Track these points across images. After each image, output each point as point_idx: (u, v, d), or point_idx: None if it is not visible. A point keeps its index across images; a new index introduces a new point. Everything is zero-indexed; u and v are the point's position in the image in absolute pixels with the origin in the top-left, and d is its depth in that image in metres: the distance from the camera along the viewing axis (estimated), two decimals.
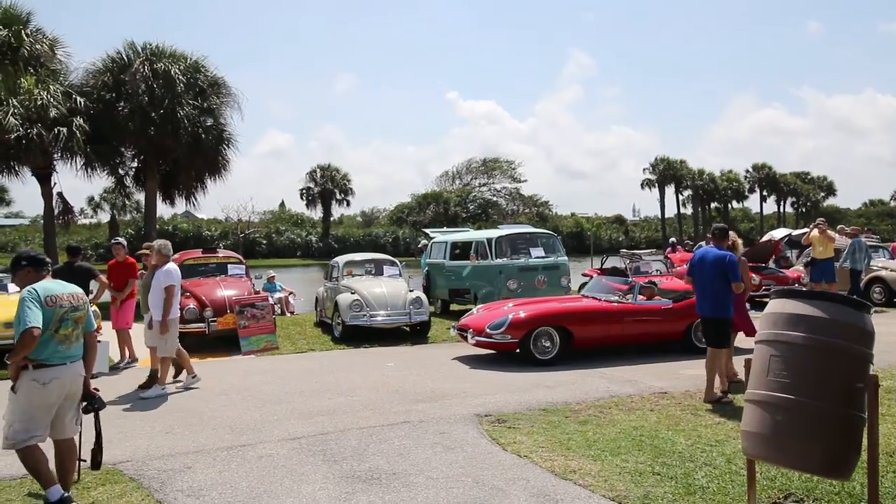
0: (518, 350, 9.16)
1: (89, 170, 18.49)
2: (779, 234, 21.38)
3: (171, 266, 8.07)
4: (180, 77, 17.63)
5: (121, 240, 10.50)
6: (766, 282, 14.79)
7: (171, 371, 8.30)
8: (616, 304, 9.71)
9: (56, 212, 18.43)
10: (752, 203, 77.91)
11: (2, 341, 9.38)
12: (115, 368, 9.48)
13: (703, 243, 23.51)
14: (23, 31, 17.77)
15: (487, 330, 9.18)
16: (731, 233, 7.74)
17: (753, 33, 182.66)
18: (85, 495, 4.72)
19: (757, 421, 3.71)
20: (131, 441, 5.97)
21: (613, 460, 5.12)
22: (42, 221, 20.83)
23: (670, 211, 69.70)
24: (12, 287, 9.61)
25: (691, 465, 4.99)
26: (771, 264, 17.08)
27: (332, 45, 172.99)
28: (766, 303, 4.32)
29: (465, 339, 9.67)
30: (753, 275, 15.12)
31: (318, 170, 60.08)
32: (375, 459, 5.30)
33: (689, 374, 8.36)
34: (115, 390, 8.12)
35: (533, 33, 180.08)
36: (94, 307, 10.41)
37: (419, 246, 21.96)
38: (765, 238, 22.57)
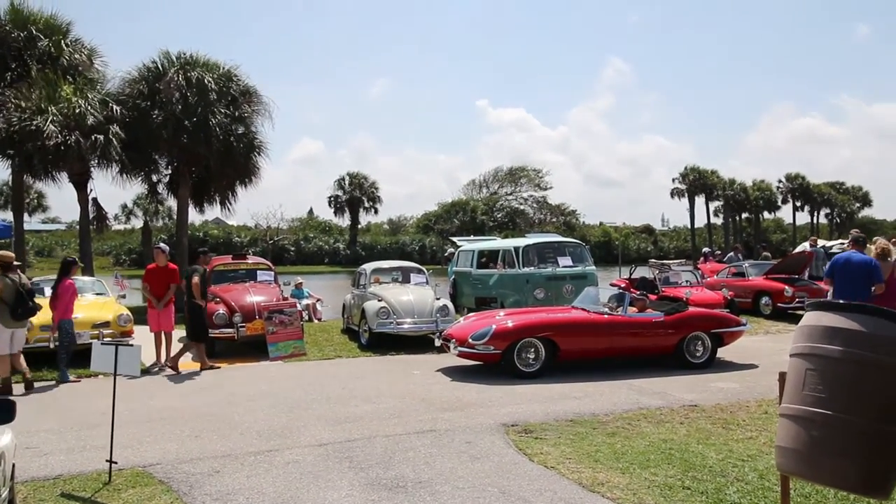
0: (501, 362, 8.87)
1: (124, 176, 18.85)
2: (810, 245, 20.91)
3: None
4: (213, 86, 17.89)
5: (163, 245, 10.72)
6: (799, 294, 14.48)
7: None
8: (605, 317, 9.37)
9: (91, 217, 18.84)
10: (785, 213, 76.53)
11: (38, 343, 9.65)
12: (146, 372, 9.59)
13: (732, 254, 23.17)
14: (63, 41, 18.22)
15: (470, 340, 8.87)
16: (881, 240, 8.03)
17: (797, 39, 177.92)
18: (115, 496, 4.79)
19: (791, 436, 3.62)
20: (161, 444, 6.05)
21: (642, 473, 5.05)
22: (78, 227, 21.27)
23: (700, 221, 68.67)
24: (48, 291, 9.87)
25: (722, 480, 4.89)
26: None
27: (361, 52, 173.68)
28: (799, 315, 4.23)
29: (449, 349, 9.33)
30: (786, 286, 14.91)
31: (346, 177, 60.43)
32: (401, 467, 5.30)
33: (719, 387, 8.22)
34: (147, 393, 8.26)
35: (566, 41, 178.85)
36: (127, 311, 10.66)
37: (446, 254, 21.99)
38: (797, 249, 22.13)
